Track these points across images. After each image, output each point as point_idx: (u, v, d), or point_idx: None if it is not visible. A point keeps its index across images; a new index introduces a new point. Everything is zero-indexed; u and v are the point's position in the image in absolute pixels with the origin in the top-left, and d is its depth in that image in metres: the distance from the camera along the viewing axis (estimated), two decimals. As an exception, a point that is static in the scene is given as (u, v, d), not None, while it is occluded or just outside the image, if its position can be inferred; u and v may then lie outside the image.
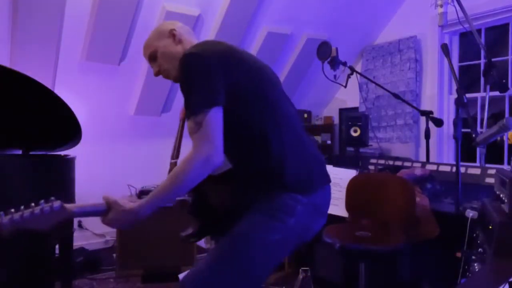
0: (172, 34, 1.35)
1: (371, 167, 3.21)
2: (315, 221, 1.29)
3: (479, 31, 3.50)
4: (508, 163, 3.11)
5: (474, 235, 1.74)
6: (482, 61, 3.56)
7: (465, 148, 3.34)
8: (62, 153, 2.48)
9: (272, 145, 1.19)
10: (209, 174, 1.14)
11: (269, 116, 1.22)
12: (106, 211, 1.12)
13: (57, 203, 1.02)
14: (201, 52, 1.16)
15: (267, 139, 1.19)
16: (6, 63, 2.68)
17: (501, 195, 1.53)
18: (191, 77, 1.14)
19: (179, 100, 3.81)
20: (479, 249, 1.59)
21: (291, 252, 1.26)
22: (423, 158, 3.46)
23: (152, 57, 1.37)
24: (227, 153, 1.24)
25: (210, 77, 1.13)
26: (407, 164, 2.90)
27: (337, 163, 2.85)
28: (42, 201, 1.01)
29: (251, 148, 1.23)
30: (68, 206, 1.06)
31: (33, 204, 0.99)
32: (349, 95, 4.54)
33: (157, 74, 1.38)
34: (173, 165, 1.38)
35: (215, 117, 1.11)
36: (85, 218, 3.50)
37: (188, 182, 1.11)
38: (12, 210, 0.96)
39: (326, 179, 1.32)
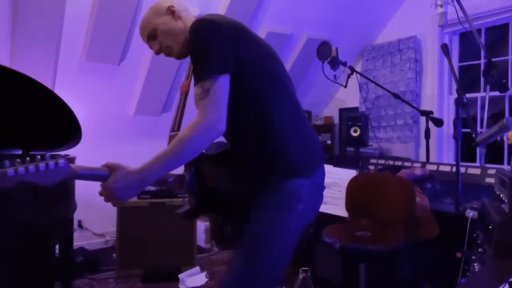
0: (171, 11, 1.33)
1: (371, 167, 3.21)
2: (318, 200, 1.33)
3: (479, 31, 3.50)
4: (508, 163, 3.11)
5: (474, 235, 1.74)
6: (482, 61, 3.56)
7: (465, 148, 3.34)
8: (62, 153, 2.48)
9: (274, 122, 1.20)
10: (205, 153, 1.15)
11: (274, 93, 1.22)
12: (108, 176, 1.07)
13: (62, 160, 0.99)
14: (213, 19, 1.16)
15: (270, 115, 1.20)
16: (6, 63, 2.68)
17: (501, 195, 1.53)
18: (202, 42, 1.13)
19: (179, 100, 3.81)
20: (479, 249, 1.59)
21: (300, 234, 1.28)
22: (423, 158, 3.46)
23: (151, 36, 1.34)
24: (228, 128, 1.24)
25: (221, 44, 1.13)
26: (407, 164, 2.90)
27: (337, 163, 2.84)
28: (48, 155, 0.98)
29: (253, 124, 1.22)
30: (72, 165, 1.04)
31: (39, 156, 0.96)
32: (349, 95, 4.54)
33: (158, 52, 1.36)
34: (172, 137, 1.37)
35: (223, 85, 1.11)
36: (85, 218, 3.51)
37: (192, 147, 1.10)
38: (18, 160, 0.93)
39: (323, 156, 1.34)
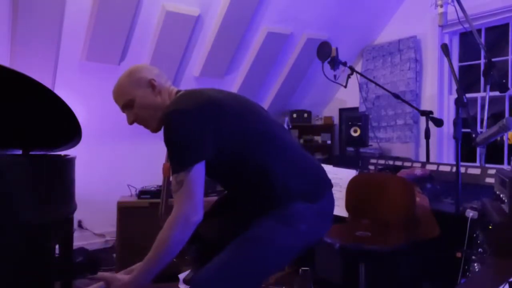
0: (152, 85, 1.31)
1: (371, 167, 3.21)
2: (324, 226, 1.34)
3: (479, 31, 3.50)
4: (508, 163, 3.11)
5: (474, 235, 1.75)
6: (482, 61, 3.56)
7: (465, 148, 3.34)
8: (62, 153, 2.48)
9: (274, 177, 1.22)
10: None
11: (265, 149, 1.24)
12: None
13: None
14: (183, 107, 1.17)
15: (264, 168, 1.22)
16: (6, 63, 2.68)
17: (501, 195, 1.53)
18: (175, 136, 1.15)
19: (179, 100, 3.81)
20: (479, 249, 1.59)
21: (297, 255, 1.28)
22: (423, 158, 3.46)
23: (127, 105, 1.34)
24: (227, 187, 1.31)
25: (193, 133, 1.15)
26: (407, 164, 2.90)
27: (337, 163, 2.85)
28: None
29: (250, 178, 1.25)
30: None
31: None
32: (349, 95, 4.54)
33: (132, 122, 1.36)
34: (163, 223, 1.42)
35: (196, 174, 1.15)
36: (85, 218, 3.51)
37: (172, 247, 1.16)
38: None
39: (329, 185, 1.36)
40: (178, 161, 1.15)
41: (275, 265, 1.24)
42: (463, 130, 2.05)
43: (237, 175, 1.27)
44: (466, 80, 3.82)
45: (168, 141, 1.17)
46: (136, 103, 1.31)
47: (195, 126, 1.15)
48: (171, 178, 1.19)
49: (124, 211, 2.85)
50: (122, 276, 1.21)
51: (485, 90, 3.36)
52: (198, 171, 1.15)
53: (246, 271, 1.16)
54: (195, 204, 1.15)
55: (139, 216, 2.87)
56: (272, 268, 1.24)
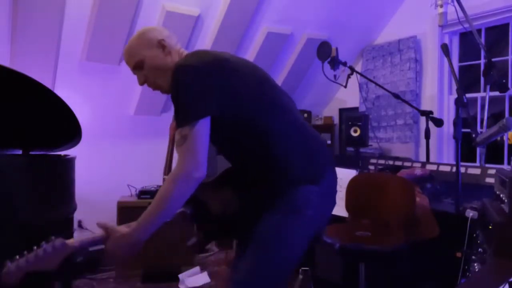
0: (162, 45, 1.31)
1: (371, 167, 3.21)
2: (328, 206, 1.34)
3: (479, 31, 3.50)
4: (508, 163, 3.11)
5: (474, 235, 1.75)
6: (482, 61, 3.56)
7: (465, 148, 3.34)
8: (62, 153, 2.48)
9: (274, 141, 1.21)
10: (203, 182, 1.16)
11: (270, 114, 1.23)
12: (105, 239, 1.18)
13: (58, 241, 1.07)
14: (193, 63, 1.17)
15: (269, 135, 1.21)
16: (6, 63, 2.68)
17: (501, 195, 1.53)
18: (181, 90, 1.15)
19: (179, 100, 3.80)
20: (479, 249, 1.59)
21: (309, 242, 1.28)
22: (423, 158, 3.46)
23: (137, 66, 1.33)
24: (231, 157, 1.27)
25: (201, 88, 1.14)
26: (407, 164, 2.90)
27: (337, 163, 2.83)
28: (44, 242, 1.05)
29: (254, 146, 1.23)
30: (69, 242, 1.12)
31: (35, 247, 1.04)
32: (349, 95, 4.53)
33: (143, 83, 1.36)
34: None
35: (201, 130, 1.13)
36: (85, 218, 3.51)
37: (173, 202, 1.15)
38: (17, 256, 1.01)
39: (330, 161, 1.34)
40: (183, 115, 1.14)
41: (296, 254, 1.24)
42: (463, 130, 2.05)
43: (240, 142, 1.25)
44: (466, 80, 3.82)
45: (174, 96, 1.16)
46: (146, 64, 1.30)
47: (201, 81, 1.14)
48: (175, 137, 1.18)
49: (124, 211, 2.85)
50: (121, 228, 1.19)
51: (485, 90, 3.37)
52: (203, 127, 1.13)
53: (274, 270, 1.17)
54: (198, 160, 1.12)
55: (139, 216, 2.87)
56: (294, 257, 1.23)
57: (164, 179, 1.50)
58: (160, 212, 1.16)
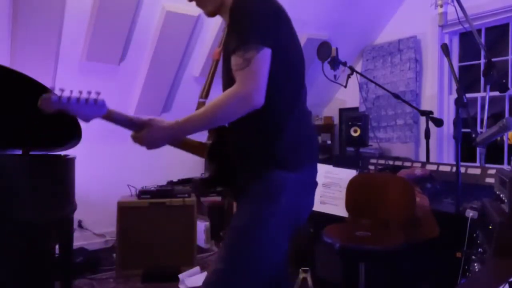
0: None
1: (371, 167, 3.21)
2: (306, 199, 1.29)
3: (479, 31, 3.50)
4: (508, 163, 3.11)
5: (474, 235, 1.75)
6: (482, 61, 3.56)
7: (465, 148, 3.34)
8: (62, 153, 2.48)
9: (274, 114, 1.19)
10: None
11: (287, 85, 1.21)
12: (139, 128, 1.18)
13: (101, 99, 1.11)
14: None
15: (273, 106, 1.17)
16: (6, 63, 2.68)
17: (501, 195, 1.53)
18: (250, 10, 1.13)
19: (179, 100, 3.81)
20: (479, 249, 1.59)
21: (290, 236, 1.23)
22: (423, 158, 3.46)
23: None
24: None
25: (268, 18, 1.13)
26: (407, 164, 2.90)
27: (337, 163, 2.84)
28: (93, 92, 1.09)
29: (261, 110, 1.15)
30: (109, 108, 1.15)
31: (81, 91, 1.08)
32: (349, 95, 4.54)
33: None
34: (200, 104, 1.38)
35: (265, 58, 1.10)
36: (85, 218, 3.51)
37: (224, 115, 1.12)
38: (64, 91, 1.05)
39: (315, 156, 1.31)
40: (248, 36, 1.09)
41: (273, 249, 1.17)
42: (463, 130, 2.05)
43: None
44: (466, 80, 3.82)
45: (240, 16, 1.13)
46: None
47: (269, 12, 1.14)
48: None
49: (124, 211, 2.85)
50: (162, 120, 1.20)
51: (485, 90, 3.37)
52: (267, 56, 1.10)
53: (250, 266, 1.13)
54: (259, 84, 1.08)
55: (139, 216, 2.88)
56: (271, 252, 1.17)
57: (199, 103, 1.49)
58: (206, 120, 1.13)
